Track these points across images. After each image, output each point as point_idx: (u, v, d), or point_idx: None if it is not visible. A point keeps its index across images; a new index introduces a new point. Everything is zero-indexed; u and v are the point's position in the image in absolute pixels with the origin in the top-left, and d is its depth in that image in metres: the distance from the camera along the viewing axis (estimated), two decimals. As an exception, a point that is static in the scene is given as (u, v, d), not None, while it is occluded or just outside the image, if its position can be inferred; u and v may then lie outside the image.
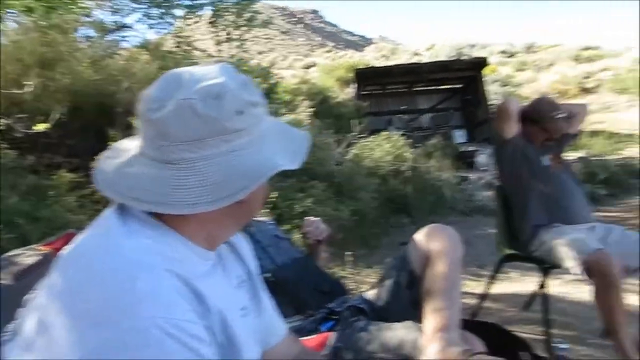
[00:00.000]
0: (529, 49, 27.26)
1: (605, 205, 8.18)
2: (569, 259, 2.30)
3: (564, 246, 2.34)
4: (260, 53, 25.93)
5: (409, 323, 1.44)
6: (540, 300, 2.59)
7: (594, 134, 13.60)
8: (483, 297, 2.91)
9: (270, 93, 7.42)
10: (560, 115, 2.63)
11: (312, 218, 2.20)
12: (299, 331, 1.56)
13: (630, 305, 3.16)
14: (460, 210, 7.00)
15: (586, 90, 20.48)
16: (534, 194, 2.59)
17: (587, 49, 25.66)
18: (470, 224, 6.42)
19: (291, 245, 2.11)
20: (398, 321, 1.46)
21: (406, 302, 1.53)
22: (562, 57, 24.66)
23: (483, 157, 10.88)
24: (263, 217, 2.27)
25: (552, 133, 2.64)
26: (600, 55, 24.95)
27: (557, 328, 2.63)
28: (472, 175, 8.89)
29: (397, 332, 1.43)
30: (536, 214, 2.57)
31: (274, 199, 4.24)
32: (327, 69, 16.26)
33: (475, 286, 3.54)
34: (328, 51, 30.41)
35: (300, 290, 1.82)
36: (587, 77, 21.55)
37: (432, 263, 1.44)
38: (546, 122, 2.62)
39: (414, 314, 1.43)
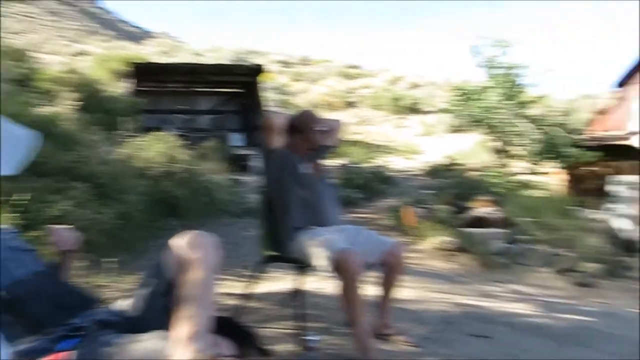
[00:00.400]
0: (304, 61, 29.25)
1: (360, 207, 9.27)
2: (320, 258, 2.52)
3: (316, 246, 2.57)
4: (17, 33, 22.55)
5: (159, 333, 1.41)
6: (297, 297, 2.78)
7: (354, 143, 15.24)
8: (245, 297, 3.00)
9: (27, 80, 6.53)
10: (319, 128, 2.91)
11: (56, 226, 2.00)
12: (32, 353, 1.42)
13: (368, 296, 3.62)
14: (232, 213, 7.14)
15: (350, 104, 22.86)
16: (293, 199, 2.77)
17: (351, 66, 28.67)
18: (240, 225, 6.60)
19: (35, 257, 1.88)
20: (154, 331, 1.42)
21: (161, 311, 1.49)
22: (332, 72, 27.08)
23: (258, 160, 11.29)
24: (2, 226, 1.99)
25: (312, 143, 2.89)
26: (361, 73, 28.12)
27: (311, 321, 2.84)
28: (246, 178, 9.15)
29: (145, 344, 1.38)
30: (295, 218, 2.76)
31: (24, 202, 3.73)
32: (100, 59, 14.96)
33: (239, 287, 3.65)
34: (104, 40, 27.99)
35: (39, 307, 1.64)
36: (351, 93, 24.09)
37: (187, 270, 1.44)
38: (307, 133, 2.87)
39: (168, 322, 1.41)
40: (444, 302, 4.03)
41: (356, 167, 11.85)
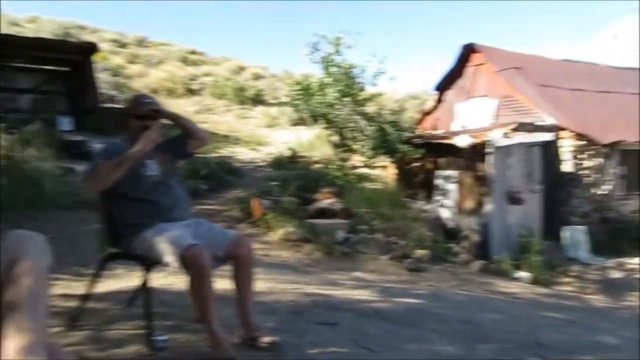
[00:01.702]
0: (141, 42, 27.56)
1: (206, 199, 9.07)
2: (168, 255, 2.41)
3: (163, 243, 2.44)
4: None
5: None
6: (143, 295, 2.62)
7: (198, 133, 14.83)
8: (85, 298, 2.75)
9: None
10: (146, 100, 2.77)
11: None
12: None
13: (219, 290, 3.56)
14: (64, 205, 6.48)
15: (191, 92, 22.18)
16: (133, 196, 2.59)
17: (193, 52, 27.78)
18: (75, 219, 6.02)
19: None
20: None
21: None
22: (172, 57, 25.95)
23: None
24: None
25: (145, 119, 2.66)
26: (204, 60, 27.41)
27: (160, 320, 2.72)
28: (79, 167, 8.35)
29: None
30: (137, 214, 2.59)
31: None
32: None
33: (78, 287, 3.33)
34: None
35: None
36: (193, 80, 23.36)
37: (15, 275, 1.27)
38: (137, 110, 2.69)
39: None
40: (293, 292, 4.13)
41: (201, 157, 11.56)
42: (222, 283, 2.74)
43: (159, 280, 3.93)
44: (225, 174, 11.09)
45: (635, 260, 9.29)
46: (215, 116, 20.06)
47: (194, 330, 2.69)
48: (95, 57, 13.43)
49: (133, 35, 27.78)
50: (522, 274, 7.56)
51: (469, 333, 3.38)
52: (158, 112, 2.71)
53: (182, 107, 20.04)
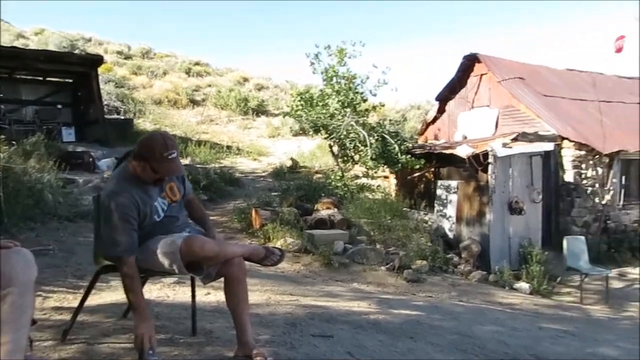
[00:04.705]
0: (146, 54, 27.73)
1: (206, 210, 9.06)
2: (165, 260, 2.41)
3: (160, 250, 2.44)
4: None
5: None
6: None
7: (200, 143, 14.89)
8: (77, 311, 2.73)
9: None
10: (171, 156, 2.46)
11: None
12: None
13: (215, 302, 3.54)
14: (63, 216, 6.49)
15: (195, 102, 22.28)
16: (144, 236, 2.55)
17: (197, 64, 27.93)
18: (73, 229, 6.04)
19: None
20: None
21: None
22: (175, 68, 26.10)
23: (107, 161, 10.40)
24: None
25: (162, 174, 2.51)
26: (207, 71, 27.56)
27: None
28: (80, 178, 8.40)
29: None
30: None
31: None
32: None
33: (73, 300, 3.33)
34: None
35: None
36: (196, 90, 23.48)
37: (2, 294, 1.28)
38: (155, 161, 2.43)
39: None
40: (289, 304, 4.11)
41: (202, 167, 11.59)
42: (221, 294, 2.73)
43: (153, 292, 3.93)
44: (226, 185, 11.10)
45: (636, 270, 9.24)
46: (218, 126, 20.13)
47: (187, 344, 2.68)
48: (100, 69, 13.54)
49: (138, 47, 27.98)
50: (522, 285, 7.52)
51: (466, 345, 3.36)
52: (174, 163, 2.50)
53: (185, 117, 20.15)
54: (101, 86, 13.86)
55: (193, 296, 2.94)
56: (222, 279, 2.60)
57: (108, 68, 21.22)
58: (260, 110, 22.67)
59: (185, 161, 11.28)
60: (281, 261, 2.77)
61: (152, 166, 2.43)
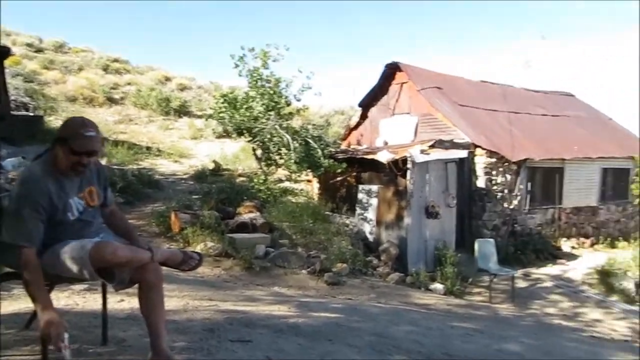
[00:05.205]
0: (59, 48, 26.23)
1: (124, 213, 8.69)
2: (74, 265, 2.29)
3: (68, 254, 2.31)
4: None
5: None
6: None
7: (117, 144, 14.27)
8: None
9: None
10: (88, 132, 2.36)
11: None
12: None
13: (128, 309, 3.42)
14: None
15: (112, 101, 21.34)
16: (55, 240, 2.42)
17: (116, 60, 26.78)
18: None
19: None
20: None
21: None
22: (92, 64, 24.89)
23: (12, 160, 9.64)
24: None
25: (77, 148, 2.35)
26: (127, 69, 26.51)
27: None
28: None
29: None
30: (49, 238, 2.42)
31: None
32: None
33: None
34: None
35: None
36: (114, 88, 22.50)
37: None
38: (73, 140, 2.33)
39: None
40: (208, 309, 4.03)
41: (119, 168, 11.12)
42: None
43: (61, 300, 3.72)
44: (144, 187, 10.71)
45: (539, 270, 9.96)
46: (137, 126, 19.40)
47: (96, 353, 2.56)
48: (7, 62, 12.62)
49: (51, 40, 26.40)
50: (437, 286, 7.85)
51: (382, 346, 3.45)
52: (98, 152, 2.45)
53: (102, 116, 19.24)
54: (8, 80, 12.93)
55: (104, 303, 2.80)
56: (137, 285, 2.50)
57: (16, 61, 19.85)
58: (182, 111, 22.12)
59: (100, 162, 10.76)
60: (199, 266, 2.71)
61: (71, 146, 2.32)
